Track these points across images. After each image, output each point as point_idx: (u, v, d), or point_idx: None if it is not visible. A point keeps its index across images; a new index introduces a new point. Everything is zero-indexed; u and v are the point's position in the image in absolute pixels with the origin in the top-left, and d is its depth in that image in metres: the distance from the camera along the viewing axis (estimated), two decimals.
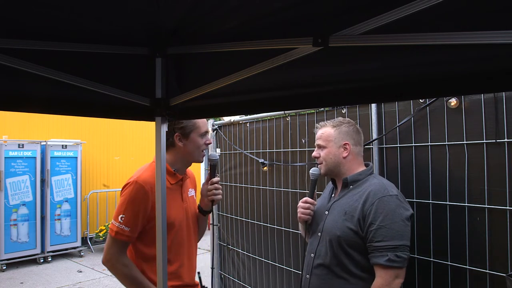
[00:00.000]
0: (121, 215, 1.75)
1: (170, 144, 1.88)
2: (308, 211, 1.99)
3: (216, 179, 1.97)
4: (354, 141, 1.96)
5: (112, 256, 1.76)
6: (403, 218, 1.73)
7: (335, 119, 2.06)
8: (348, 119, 2.06)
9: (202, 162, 2.00)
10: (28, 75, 1.30)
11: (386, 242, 1.69)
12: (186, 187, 2.01)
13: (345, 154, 1.93)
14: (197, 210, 2.06)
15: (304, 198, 2.04)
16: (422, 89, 1.18)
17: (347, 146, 1.94)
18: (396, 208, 1.74)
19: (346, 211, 1.84)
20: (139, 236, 1.80)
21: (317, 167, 2.05)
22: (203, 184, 2.02)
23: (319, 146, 2.00)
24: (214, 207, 2.08)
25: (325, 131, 1.99)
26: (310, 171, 2.07)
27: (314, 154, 2.03)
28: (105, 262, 1.78)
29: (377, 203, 1.75)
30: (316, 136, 2.04)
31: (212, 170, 1.99)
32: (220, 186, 1.98)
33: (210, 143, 2.00)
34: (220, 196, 1.98)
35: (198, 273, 2.05)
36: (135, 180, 1.78)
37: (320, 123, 2.06)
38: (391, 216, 1.72)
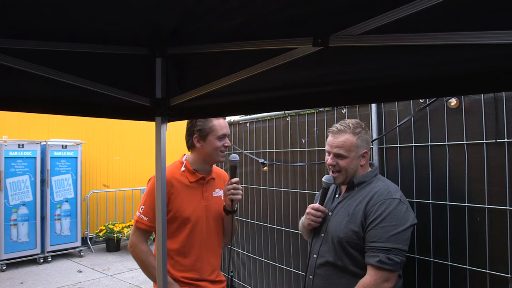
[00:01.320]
0: (142, 206, 1.97)
1: (191, 145, 2.05)
2: (319, 219, 1.96)
3: (235, 179, 1.99)
4: (369, 146, 1.94)
5: (133, 243, 1.96)
6: (402, 223, 1.72)
7: (350, 122, 1.91)
8: (360, 121, 1.95)
9: (222, 162, 2.09)
10: (28, 75, 1.30)
11: (380, 243, 1.69)
12: (210, 186, 2.08)
13: (363, 162, 1.90)
14: (222, 210, 2.09)
15: (316, 206, 1.97)
16: (422, 89, 1.18)
17: (366, 155, 1.90)
18: (396, 212, 1.73)
19: (350, 213, 1.84)
20: None
21: (330, 175, 1.94)
22: (225, 186, 2.04)
23: (339, 156, 1.86)
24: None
25: (347, 139, 1.85)
26: (324, 179, 1.95)
27: (330, 162, 1.89)
28: (129, 248, 1.99)
29: (378, 205, 1.75)
30: (333, 141, 1.89)
31: (233, 171, 2.02)
32: (240, 186, 2.00)
33: (229, 145, 2.06)
34: (239, 196, 1.99)
35: (231, 272, 2.16)
36: (154, 175, 1.90)
37: (337, 126, 1.91)
38: (389, 218, 1.71)
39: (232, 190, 1.97)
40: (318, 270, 1.91)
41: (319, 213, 1.95)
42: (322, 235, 1.93)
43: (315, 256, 1.95)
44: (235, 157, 2.05)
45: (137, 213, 1.98)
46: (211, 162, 2.07)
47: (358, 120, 1.98)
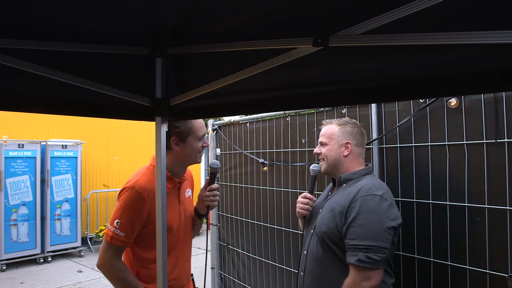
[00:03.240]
0: (117, 220, 1.74)
1: (166, 148, 1.82)
2: (306, 206, 1.99)
3: (215, 185, 1.97)
4: (356, 141, 1.94)
5: (106, 261, 1.75)
6: (382, 219, 1.68)
7: (342, 118, 2.05)
8: (354, 120, 2.04)
9: (200, 162, 1.98)
10: (28, 75, 1.30)
11: (359, 241, 1.67)
12: (183, 188, 2.01)
13: (346, 153, 1.92)
14: (193, 212, 2.06)
15: (303, 193, 2.04)
16: (422, 89, 1.18)
17: (349, 145, 1.92)
18: (376, 208, 1.70)
19: (333, 208, 1.84)
20: (135, 240, 1.80)
21: (318, 163, 2.04)
22: (201, 189, 2.01)
23: (322, 143, 1.99)
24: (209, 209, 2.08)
25: (330, 128, 1.98)
26: (311, 167, 2.07)
27: (315, 150, 2.02)
28: (100, 266, 1.78)
29: (358, 202, 1.73)
30: (320, 132, 2.04)
31: (212, 177, 1.98)
32: (218, 193, 1.98)
33: (207, 145, 2.00)
34: (216, 203, 1.98)
35: (192, 274, 2.06)
36: (132, 186, 1.77)
37: (327, 120, 2.05)
38: (368, 215, 1.69)
39: (212, 197, 1.95)
40: (308, 267, 1.91)
41: (306, 200, 2.00)
42: (312, 231, 1.94)
43: (305, 252, 1.95)
44: (216, 163, 2.00)
45: (111, 228, 1.74)
46: (189, 164, 1.96)
47: (353, 120, 2.03)
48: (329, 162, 1.95)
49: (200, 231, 2.23)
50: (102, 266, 1.77)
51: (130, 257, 1.86)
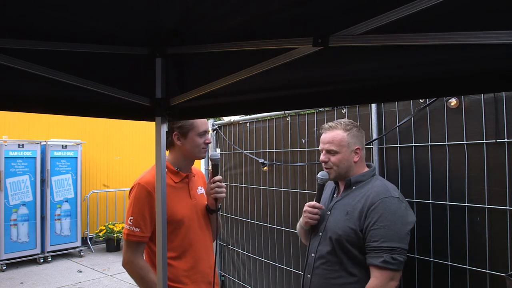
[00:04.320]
0: (130, 218, 1.83)
1: (169, 143, 1.94)
2: (316, 216, 1.95)
3: (218, 177, 1.97)
4: (362, 145, 1.93)
5: (128, 259, 1.82)
6: (403, 221, 1.72)
7: (342, 120, 1.98)
8: (352, 121, 2.00)
9: (204, 158, 2.04)
10: (28, 75, 1.30)
11: (383, 243, 1.69)
12: (194, 184, 2.04)
13: (356, 159, 1.90)
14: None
15: (312, 203, 1.97)
16: (422, 89, 1.18)
17: (358, 151, 1.90)
18: (396, 210, 1.73)
19: (348, 211, 1.83)
20: (151, 238, 1.84)
21: (324, 171, 1.96)
22: (207, 184, 2.03)
23: (330, 151, 1.91)
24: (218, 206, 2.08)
25: (337, 134, 1.90)
26: (318, 176, 1.98)
27: (322, 158, 1.94)
28: (124, 265, 1.85)
29: (378, 204, 1.75)
30: (324, 138, 1.95)
31: (214, 169, 1.99)
32: (224, 184, 1.98)
33: (210, 142, 2.04)
34: (223, 194, 1.97)
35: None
36: (138, 183, 1.86)
37: (329, 123, 1.97)
38: (391, 217, 1.71)
39: (216, 189, 1.94)
40: (316, 269, 1.90)
41: (315, 210, 1.95)
42: (320, 234, 1.93)
43: (313, 255, 1.94)
44: (216, 155, 2.02)
45: (126, 226, 1.84)
46: (193, 159, 2.01)
47: (351, 120, 2.01)
48: (340, 170, 1.91)
49: None
50: (125, 265, 1.84)
51: (151, 257, 1.88)
